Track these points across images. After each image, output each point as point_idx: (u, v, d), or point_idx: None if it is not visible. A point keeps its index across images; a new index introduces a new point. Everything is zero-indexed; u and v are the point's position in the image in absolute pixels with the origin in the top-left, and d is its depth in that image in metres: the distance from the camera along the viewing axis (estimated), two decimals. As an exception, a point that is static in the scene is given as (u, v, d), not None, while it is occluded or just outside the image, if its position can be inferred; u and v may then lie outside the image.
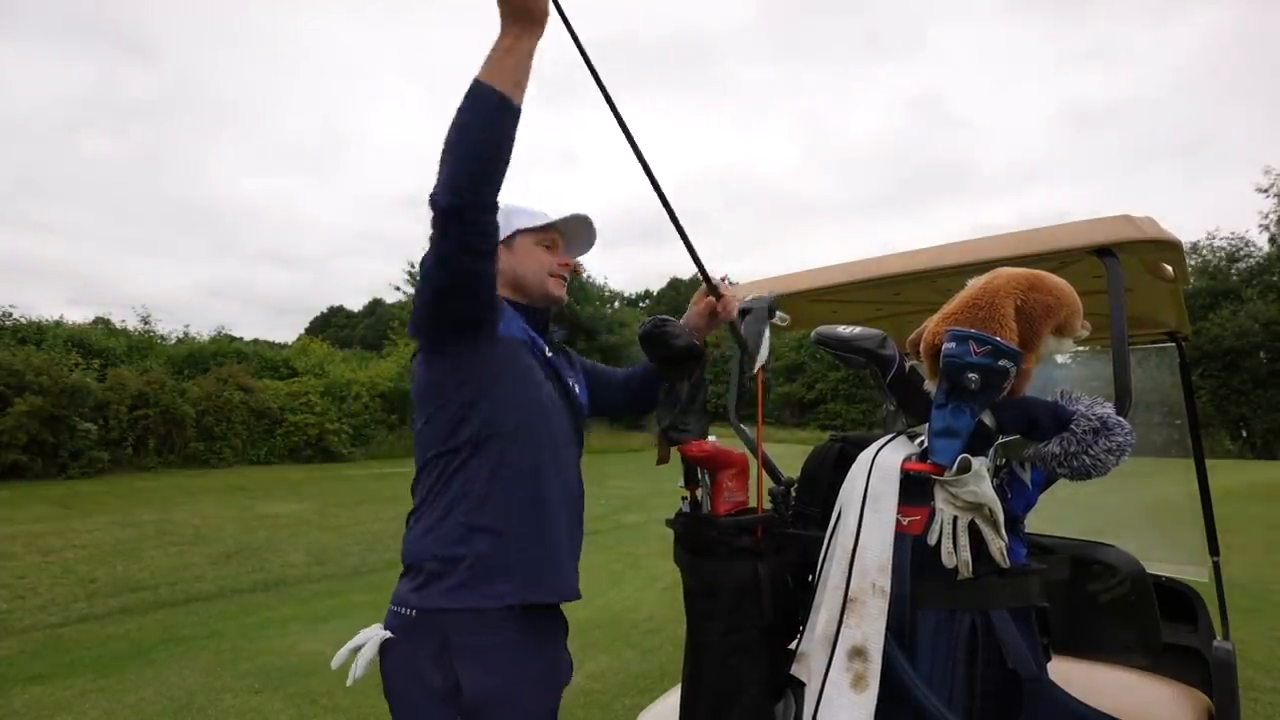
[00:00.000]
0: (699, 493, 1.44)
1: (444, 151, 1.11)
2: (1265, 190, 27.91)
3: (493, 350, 1.32)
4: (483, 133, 1.10)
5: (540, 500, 1.31)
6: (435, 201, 1.12)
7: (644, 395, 1.70)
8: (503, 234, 1.37)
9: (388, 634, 1.26)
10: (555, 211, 1.50)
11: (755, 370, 1.48)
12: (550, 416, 1.38)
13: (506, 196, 1.22)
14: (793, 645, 1.33)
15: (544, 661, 1.32)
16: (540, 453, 1.33)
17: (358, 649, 1.26)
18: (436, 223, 1.14)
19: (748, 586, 1.30)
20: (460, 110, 1.10)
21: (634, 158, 1.29)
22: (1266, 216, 28.16)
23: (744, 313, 1.56)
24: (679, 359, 1.49)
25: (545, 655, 1.32)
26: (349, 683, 1.24)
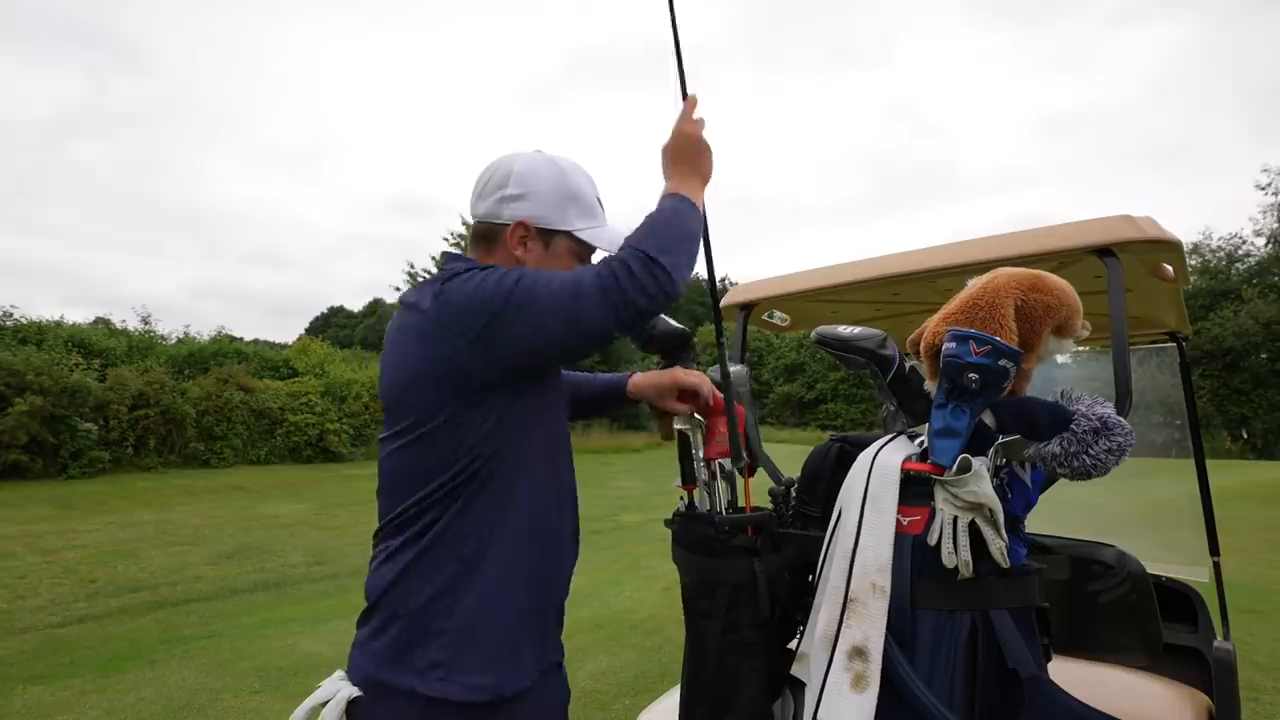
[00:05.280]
0: (696, 492, 1.45)
1: (672, 240, 1.06)
2: (1264, 188, 27.87)
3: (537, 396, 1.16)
4: (696, 240, 1.12)
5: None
6: (660, 267, 1.02)
7: (587, 408, 1.59)
8: (550, 222, 1.19)
9: (355, 692, 1.09)
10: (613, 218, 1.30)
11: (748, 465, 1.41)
12: (565, 445, 1.25)
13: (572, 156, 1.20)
14: (792, 645, 1.33)
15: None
16: (556, 498, 1.20)
17: (321, 705, 1.10)
18: (644, 272, 1.02)
19: (745, 584, 1.30)
20: (685, 216, 1.10)
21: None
22: (1261, 216, 28.15)
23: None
24: (664, 346, 1.48)
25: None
26: None
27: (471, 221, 1.27)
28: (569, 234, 1.20)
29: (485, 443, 1.08)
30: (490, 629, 1.08)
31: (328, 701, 1.08)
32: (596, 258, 1.24)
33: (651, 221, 1.09)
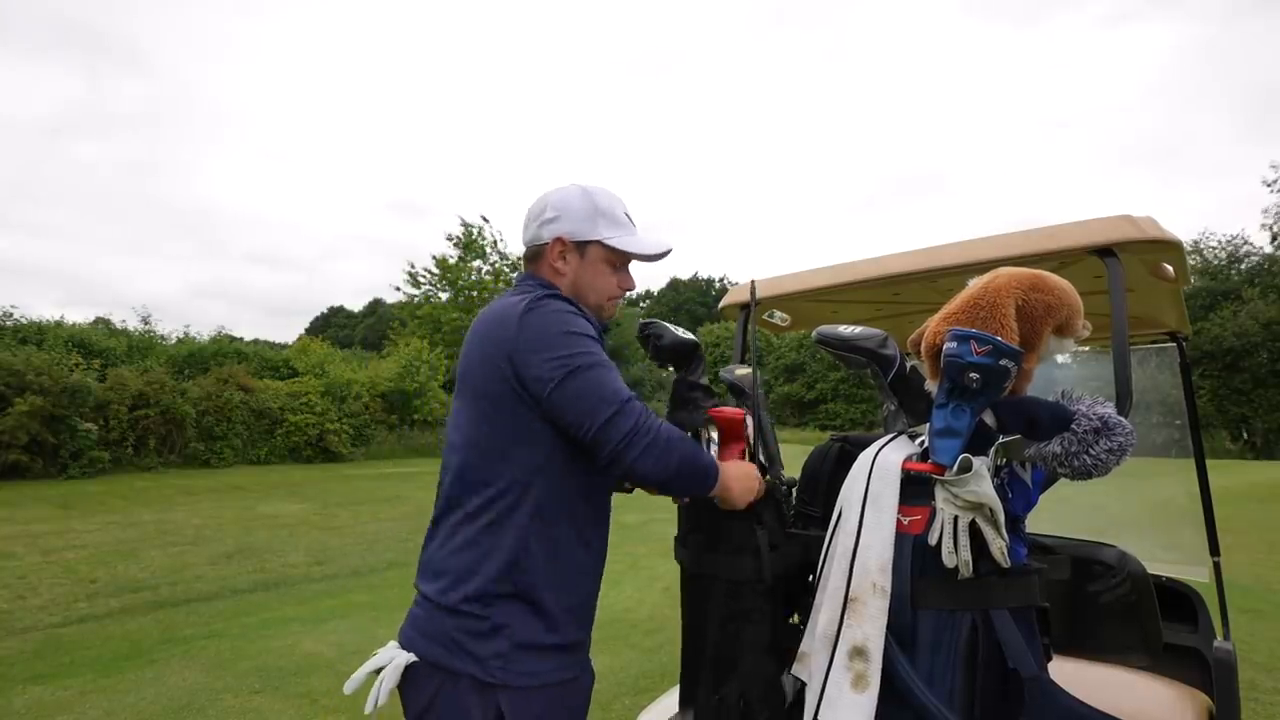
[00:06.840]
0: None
1: (672, 460, 1.18)
2: (1270, 184, 27.82)
3: None
4: (689, 488, 1.27)
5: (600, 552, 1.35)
6: (657, 457, 1.16)
7: None
8: (581, 234, 1.35)
9: (411, 657, 1.20)
10: (641, 227, 1.43)
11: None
12: None
13: (595, 181, 1.36)
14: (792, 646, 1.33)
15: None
16: (608, 515, 1.37)
17: (377, 671, 1.20)
18: (647, 442, 1.16)
19: (746, 547, 1.32)
20: (693, 468, 1.23)
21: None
22: (1268, 214, 28.05)
23: (738, 391, 1.51)
24: (673, 357, 1.52)
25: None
26: (367, 710, 1.16)
27: (522, 250, 1.45)
28: (599, 243, 1.37)
29: (554, 456, 1.21)
30: (552, 630, 1.21)
31: (383, 668, 1.20)
32: (634, 267, 1.43)
33: (693, 449, 1.23)
